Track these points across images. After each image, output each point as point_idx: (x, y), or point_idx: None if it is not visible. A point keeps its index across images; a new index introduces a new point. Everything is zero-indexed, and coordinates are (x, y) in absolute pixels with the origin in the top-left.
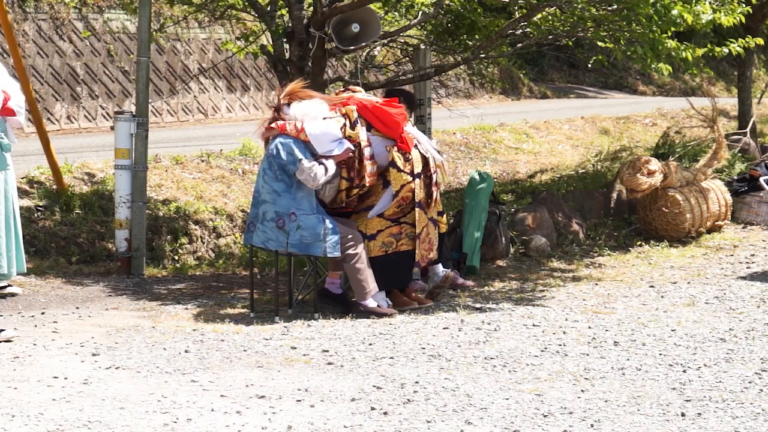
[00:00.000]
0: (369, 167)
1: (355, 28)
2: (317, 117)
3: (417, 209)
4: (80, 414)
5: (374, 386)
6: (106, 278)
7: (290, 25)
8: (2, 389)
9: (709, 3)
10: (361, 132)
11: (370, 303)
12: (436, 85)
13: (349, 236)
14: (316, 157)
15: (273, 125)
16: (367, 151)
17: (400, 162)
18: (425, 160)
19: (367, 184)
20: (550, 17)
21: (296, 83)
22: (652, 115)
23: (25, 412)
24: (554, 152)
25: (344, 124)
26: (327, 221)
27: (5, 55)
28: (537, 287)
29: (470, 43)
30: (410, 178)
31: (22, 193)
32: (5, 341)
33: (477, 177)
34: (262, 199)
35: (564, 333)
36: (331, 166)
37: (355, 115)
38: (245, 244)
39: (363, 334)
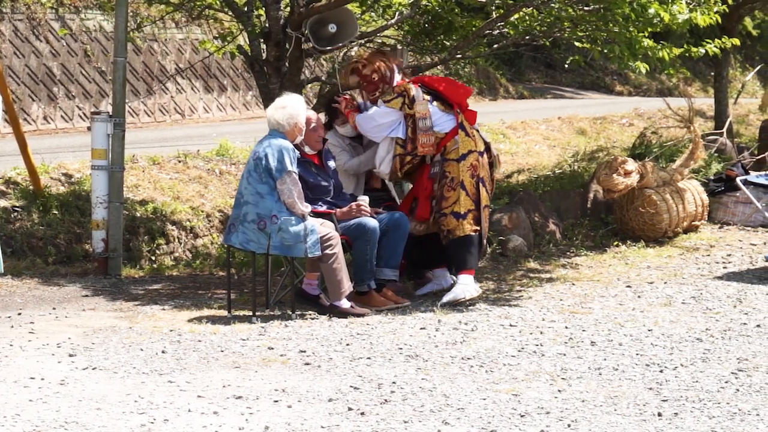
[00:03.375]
0: (422, 138)
1: (332, 28)
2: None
3: (480, 185)
4: (57, 415)
5: (351, 386)
6: (83, 279)
7: (267, 25)
8: None
9: (686, 2)
10: (420, 106)
11: (344, 303)
12: None
13: (328, 236)
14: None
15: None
16: (422, 123)
17: (468, 128)
18: (486, 145)
19: (419, 153)
20: (527, 17)
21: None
22: (629, 116)
23: (1, 413)
24: (531, 152)
25: (403, 103)
26: (307, 222)
27: None
28: (514, 287)
29: (447, 43)
30: (475, 148)
31: None
32: None
33: None
34: (244, 201)
35: (541, 333)
36: (306, 209)
37: (413, 91)
38: (224, 244)
39: (340, 335)
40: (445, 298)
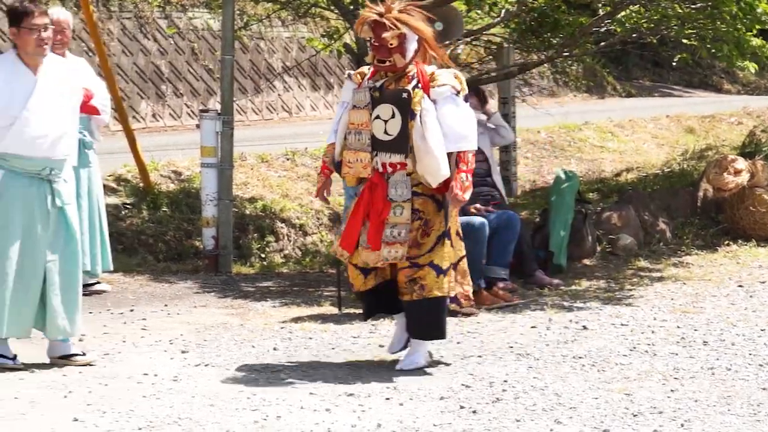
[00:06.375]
0: None
1: (438, 26)
2: None
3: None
4: (170, 411)
5: (463, 385)
6: (194, 276)
7: None
8: (93, 386)
9: None
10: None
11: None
12: (520, 83)
13: None
14: None
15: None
16: None
17: None
18: None
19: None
20: (634, 15)
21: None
22: (738, 114)
23: (115, 409)
24: (639, 151)
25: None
26: None
27: (91, 54)
28: (624, 286)
29: (554, 41)
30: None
31: (109, 190)
32: (86, 365)
33: (562, 175)
34: (348, 205)
35: (652, 332)
36: None
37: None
38: None
39: (450, 333)
40: (404, 365)
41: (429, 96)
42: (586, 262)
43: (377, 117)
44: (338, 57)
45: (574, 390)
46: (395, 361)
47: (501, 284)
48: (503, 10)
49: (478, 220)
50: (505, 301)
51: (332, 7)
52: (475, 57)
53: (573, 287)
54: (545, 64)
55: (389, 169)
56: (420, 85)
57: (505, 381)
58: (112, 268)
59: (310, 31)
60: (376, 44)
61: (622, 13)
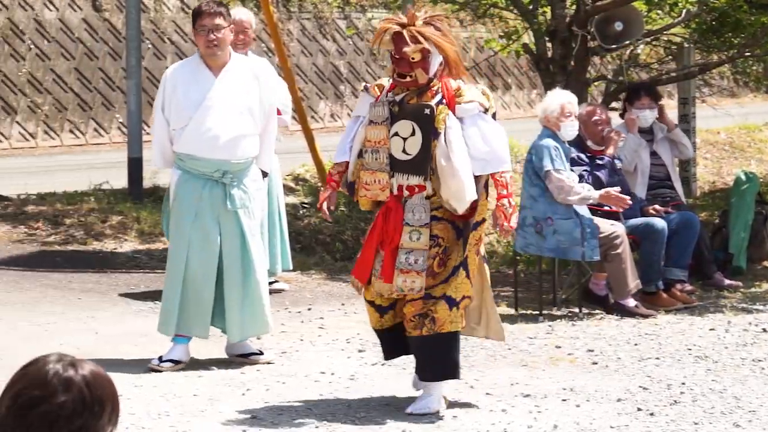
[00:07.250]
0: None
1: (618, 26)
2: None
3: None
4: (347, 409)
5: (640, 387)
6: None
7: (552, 23)
8: (271, 383)
9: None
10: None
11: (629, 302)
12: (700, 83)
13: (614, 235)
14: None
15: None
16: None
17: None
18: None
19: None
20: None
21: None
22: None
23: (293, 407)
24: None
25: None
26: (586, 225)
27: (271, 54)
28: None
29: (735, 40)
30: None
31: (288, 190)
32: (264, 363)
33: (743, 177)
34: (522, 205)
35: None
36: (591, 192)
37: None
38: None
39: (628, 334)
40: (413, 408)
41: (454, 113)
42: (766, 264)
43: (395, 134)
44: (517, 57)
45: (753, 393)
46: (571, 363)
47: (679, 286)
48: (684, 10)
49: (658, 221)
50: (684, 303)
51: (511, 8)
52: (654, 57)
53: (752, 289)
54: (725, 65)
55: (406, 192)
56: (444, 100)
57: (683, 383)
58: (291, 267)
59: (488, 32)
60: (397, 57)
61: None
